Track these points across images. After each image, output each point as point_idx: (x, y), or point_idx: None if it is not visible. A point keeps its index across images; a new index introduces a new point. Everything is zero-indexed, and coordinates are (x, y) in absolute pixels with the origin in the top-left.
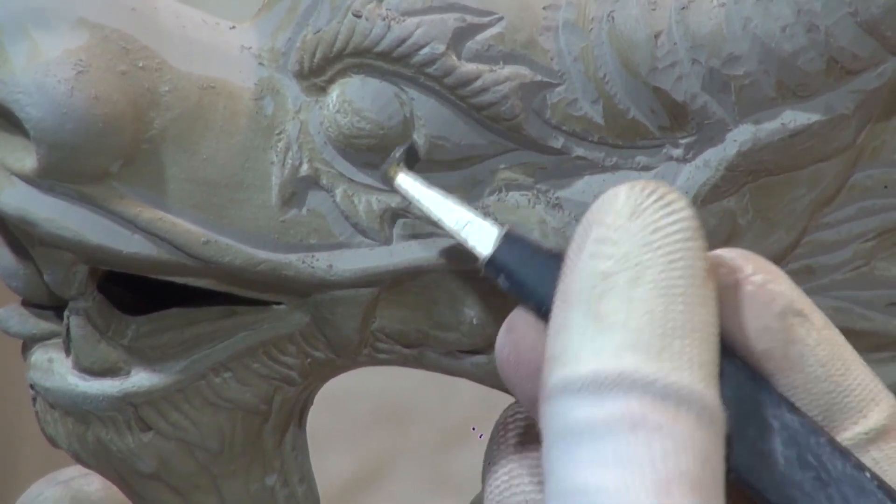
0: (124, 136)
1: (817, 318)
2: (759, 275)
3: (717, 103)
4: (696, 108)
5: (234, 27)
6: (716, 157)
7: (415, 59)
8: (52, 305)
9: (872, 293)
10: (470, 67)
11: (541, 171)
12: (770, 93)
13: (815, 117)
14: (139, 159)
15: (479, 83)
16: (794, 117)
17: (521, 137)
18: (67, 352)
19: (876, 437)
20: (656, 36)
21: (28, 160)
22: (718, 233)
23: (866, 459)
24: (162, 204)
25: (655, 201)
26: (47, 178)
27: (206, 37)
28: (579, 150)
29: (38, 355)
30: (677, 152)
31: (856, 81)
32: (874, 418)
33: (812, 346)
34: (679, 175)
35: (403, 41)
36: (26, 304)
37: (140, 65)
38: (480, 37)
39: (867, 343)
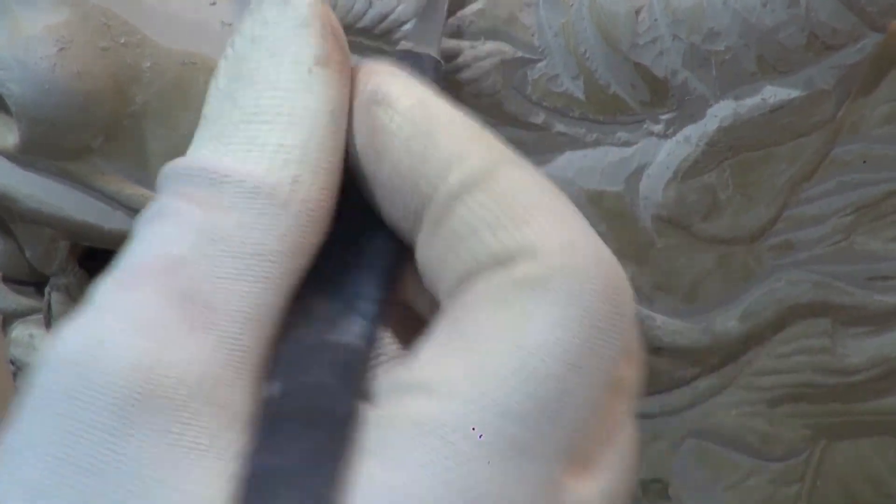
0: (106, 112)
1: (405, 101)
2: (364, 70)
3: (697, 79)
4: (677, 83)
5: (214, 3)
6: (696, 132)
7: (397, 35)
8: (32, 281)
9: (852, 267)
10: (451, 43)
11: (521, 147)
12: (750, 68)
13: (795, 92)
14: (121, 135)
15: (460, 59)
16: (774, 92)
17: (503, 113)
18: (48, 327)
19: (460, 192)
20: (637, 11)
21: (10, 136)
22: (699, 207)
23: (462, 212)
24: (143, 180)
25: None
26: (29, 154)
27: (186, 12)
28: (560, 126)
29: (19, 331)
30: (658, 128)
31: (836, 56)
32: (455, 175)
33: (394, 131)
34: (660, 151)
35: (385, 17)
36: (7, 280)
37: (121, 41)
38: (462, 13)
39: (847, 317)
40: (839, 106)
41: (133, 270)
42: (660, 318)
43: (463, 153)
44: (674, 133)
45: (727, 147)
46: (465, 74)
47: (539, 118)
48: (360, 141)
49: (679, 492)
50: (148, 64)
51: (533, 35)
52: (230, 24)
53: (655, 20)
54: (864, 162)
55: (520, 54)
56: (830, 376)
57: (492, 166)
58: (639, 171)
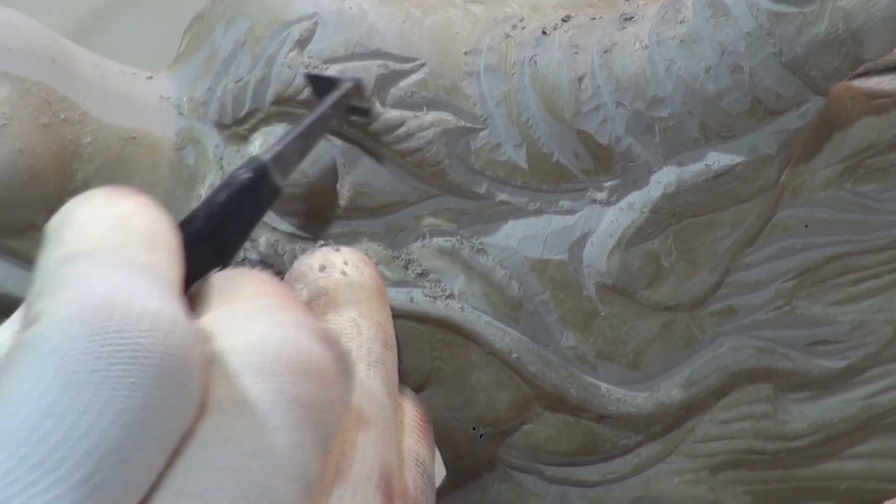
0: (48, 189)
1: None
2: None
3: (641, 145)
4: (621, 150)
5: (150, 77)
6: (640, 199)
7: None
8: None
9: (794, 332)
10: (394, 114)
11: (464, 217)
12: (694, 134)
13: (738, 158)
14: None
15: (403, 129)
16: (717, 158)
17: (445, 183)
18: None
19: None
20: (580, 79)
21: None
22: (642, 275)
23: None
24: None
25: None
26: None
27: (124, 87)
28: (503, 195)
29: None
30: (601, 195)
31: (778, 121)
32: None
33: None
34: (603, 218)
35: None
36: None
37: (62, 117)
38: (404, 83)
39: (788, 382)
40: (781, 171)
41: None
42: (604, 386)
43: None
44: (617, 200)
45: (671, 213)
46: (408, 144)
47: (482, 187)
48: None
49: None
50: (88, 139)
51: (475, 104)
52: (168, 98)
53: (598, 87)
54: (806, 226)
55: (462, 123)
56: (772, 442)
57: None
58: (582, 239)
